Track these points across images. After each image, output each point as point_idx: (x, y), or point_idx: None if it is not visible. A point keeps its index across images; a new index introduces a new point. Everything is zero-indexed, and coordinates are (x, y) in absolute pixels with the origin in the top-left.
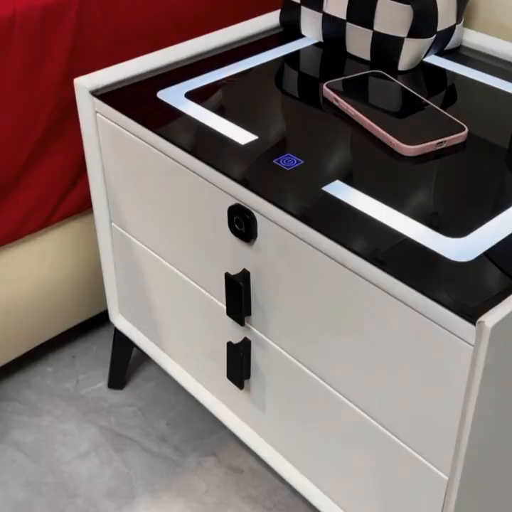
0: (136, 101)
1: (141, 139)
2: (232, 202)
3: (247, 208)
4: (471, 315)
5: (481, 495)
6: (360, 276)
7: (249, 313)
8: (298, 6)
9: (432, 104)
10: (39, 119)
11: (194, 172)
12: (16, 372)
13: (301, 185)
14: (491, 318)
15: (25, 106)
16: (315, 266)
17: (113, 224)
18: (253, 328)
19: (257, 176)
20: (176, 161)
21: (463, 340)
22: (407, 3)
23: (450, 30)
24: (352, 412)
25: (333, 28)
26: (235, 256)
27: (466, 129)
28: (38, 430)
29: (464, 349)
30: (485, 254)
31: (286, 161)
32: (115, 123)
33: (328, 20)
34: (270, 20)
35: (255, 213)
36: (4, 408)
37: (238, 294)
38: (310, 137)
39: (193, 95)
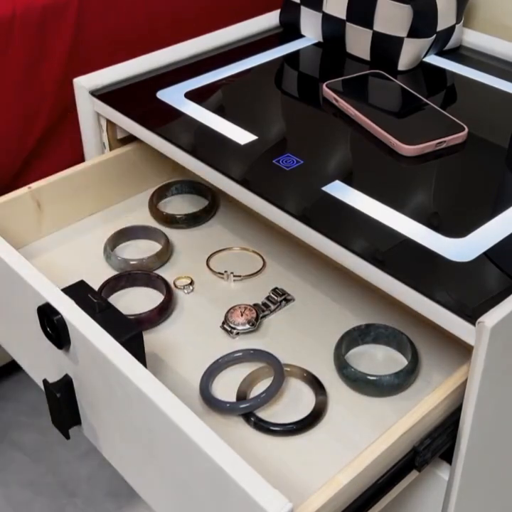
0: (136, 101)
1: (141, 138)
2: (42, 301)
3: (56, 309)
4: (471, 315)
5: (481, 495)
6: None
7: (78, 423)
8: (298, 6)
9: (431, 104)
10: (39, 118)
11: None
12: (16, 372)
13: (301, 185)
14: (491, 318)
15: (25, 106)
16: (118, 383)
17: None
18: (87, 437)
19: (257, 176)
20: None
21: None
22: (407, 3)
23: (450, 30)
24: None
25: (332, 28)
26: (55, 360)
27: (466, 129)
28: (38, 430)
29: None
30: (485, 254)
31: (285, 161)
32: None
33: (327, 20)
34: (270, 20)
35: (66, 318)
36: (4, 408)
37: (57, 404)
38: (310, 137)
39: (192, 95)
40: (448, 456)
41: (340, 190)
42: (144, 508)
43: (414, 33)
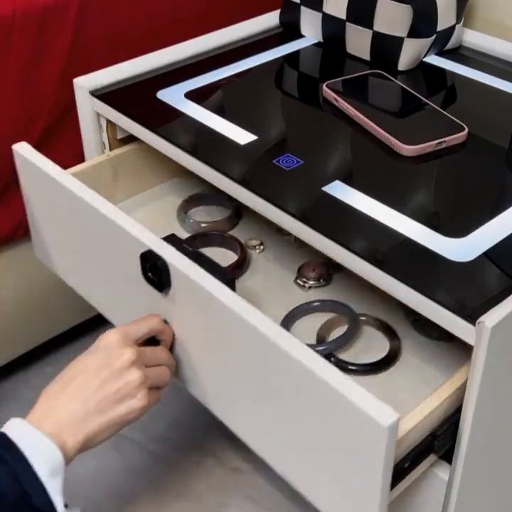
0: (136, 101)
1: (141, 138)
2: (144, 248)
3: (159, 255)
4: (471, 315)
5: (481, 495)
6: (267, 337)
7: None
8: (298, 6)
9: (431, 104)
10: (38, 119)
11: (194, 172)
12: (15, 372)
13: (301, 185)
14: (491, 318)
15: (24, 106)
16: (225, 320)
17: None
18: (177, 380)
19: (257, 176)
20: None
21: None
22: (407, 3)
23: (450, 30)
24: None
25: (332, 28)
26: (153, 305)
27: (466, 129)
28: None
29: (378, 433)
30: (485, 254)
31: (285, 161)
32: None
33: (327, 20)
34: (270, 20)
35: (168, 261)
36: (3, 409)
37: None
38: (310, 137)
39: (192, 95)
40: (448, 456)
41: (340, 190)
42: (143, 508)
43: (414, 33)
